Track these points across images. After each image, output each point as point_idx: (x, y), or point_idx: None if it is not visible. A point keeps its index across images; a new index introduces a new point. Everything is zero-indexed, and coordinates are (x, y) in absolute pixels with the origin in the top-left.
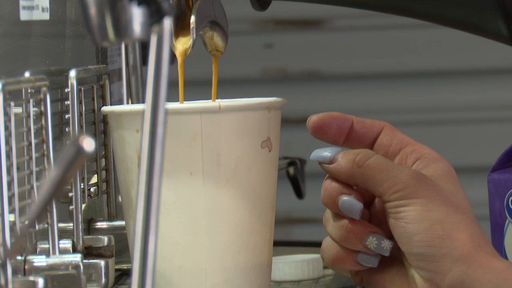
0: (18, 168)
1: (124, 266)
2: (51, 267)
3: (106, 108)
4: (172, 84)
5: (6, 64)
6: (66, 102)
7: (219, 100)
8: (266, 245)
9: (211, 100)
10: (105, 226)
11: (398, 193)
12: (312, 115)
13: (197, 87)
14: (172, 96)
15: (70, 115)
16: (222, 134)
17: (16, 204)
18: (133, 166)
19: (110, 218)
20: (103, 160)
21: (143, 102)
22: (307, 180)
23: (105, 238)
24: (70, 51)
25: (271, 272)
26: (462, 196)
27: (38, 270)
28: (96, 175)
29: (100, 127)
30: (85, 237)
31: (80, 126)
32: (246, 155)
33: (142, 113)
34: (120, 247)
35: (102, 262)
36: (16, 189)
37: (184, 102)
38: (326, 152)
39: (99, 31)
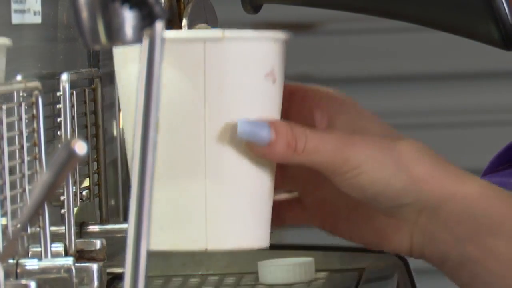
0: (10, 172)
1: (116, 270)
2: (43, 271)
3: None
4: None
5: None
6: (58, 106)
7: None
8: (269, 173)
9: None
10: (97, 230)
11: (351, 172)
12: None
13: None
14: None
15: (62, 119)
16: (225, 63)
17: (8, 208)
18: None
19: (102, 222)
20: (95, 163)
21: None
22: None
23: (97, 242)
24: (62, 54)
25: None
26: (375, 120)
27: (30, 274)
28: (88, 178)
29: (92, 130)
30: (77, 240)
31: (72, 130)
32: (249, 84)
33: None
34: (112, 250)
35: (94, 266)
36: (8, 193)
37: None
38: (261, 131)
39: (91, 34)
